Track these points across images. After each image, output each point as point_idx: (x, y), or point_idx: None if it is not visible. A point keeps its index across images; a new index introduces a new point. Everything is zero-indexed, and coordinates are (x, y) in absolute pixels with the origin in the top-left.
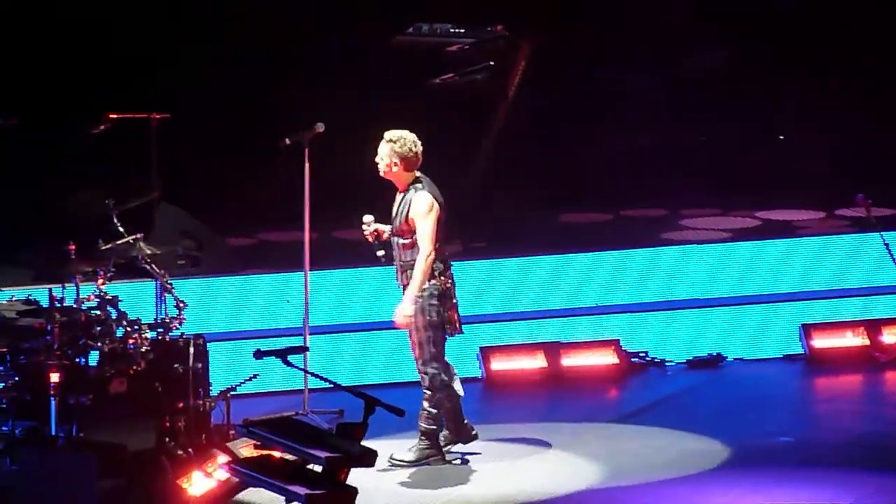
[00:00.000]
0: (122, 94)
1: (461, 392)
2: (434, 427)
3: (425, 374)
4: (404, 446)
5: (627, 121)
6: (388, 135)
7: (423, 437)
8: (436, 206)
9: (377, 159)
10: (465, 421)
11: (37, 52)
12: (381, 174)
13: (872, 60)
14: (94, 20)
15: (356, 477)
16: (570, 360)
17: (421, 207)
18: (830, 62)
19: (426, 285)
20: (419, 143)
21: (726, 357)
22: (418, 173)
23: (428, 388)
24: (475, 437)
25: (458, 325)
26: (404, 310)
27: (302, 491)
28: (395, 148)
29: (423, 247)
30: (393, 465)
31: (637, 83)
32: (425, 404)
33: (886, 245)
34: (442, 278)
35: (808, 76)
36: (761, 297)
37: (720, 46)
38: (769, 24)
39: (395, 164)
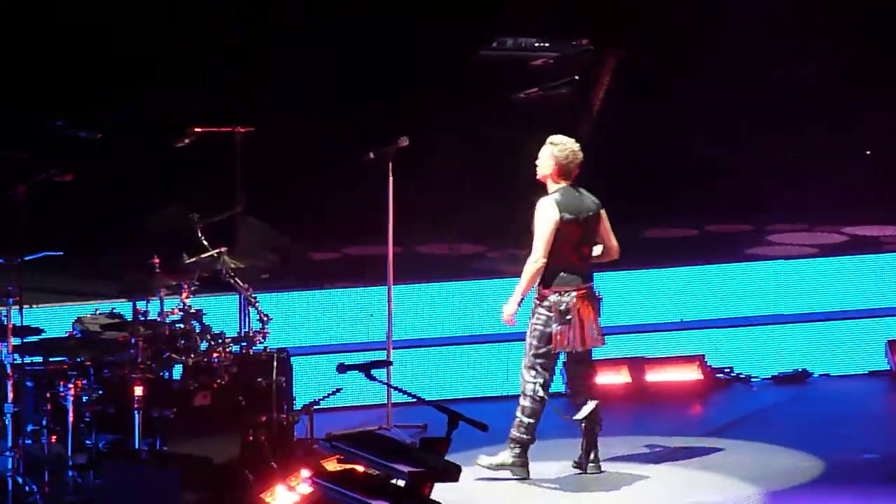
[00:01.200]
0: (209, 108)
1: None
2: (524, 436)
3: (523, 378)
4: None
5: (714, 134)
6: (552, 138)
7: (511, 445)
8: (554, 212)
9: (536, 161)
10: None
11: (122, 64)
12: (538, 177)
13: None
14: (179, 32)
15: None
16: (654, 376)
17: (537, 211)
18: None
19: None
20: (580, 153)
21: (812, 373)
22: (564, 183)
23: (522, 394)
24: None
25: (566, 343)
26: (506, 307)
27: None
28: (554, 151)
29: (533, 250)
30: (476, 465)
31: (727, 97)
32: (518, 412)
33: None
34: (560, 291)
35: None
36: (847, 313)
37: (809, 59)
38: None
39: (550, 167)
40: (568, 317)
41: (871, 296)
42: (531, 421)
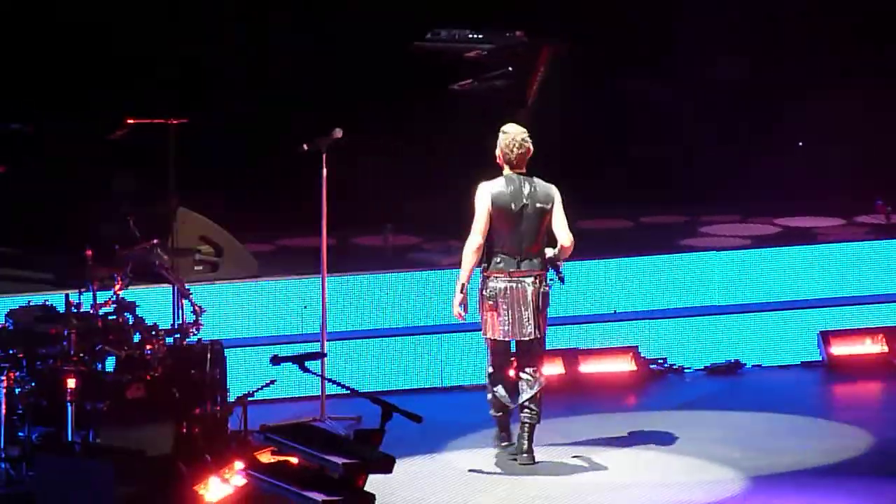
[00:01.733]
0: (140, 97)
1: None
2: (493, 413)
3: None
4: None
5: (648, 129)
6: (504, 126)
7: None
8: (484, 196)
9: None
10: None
11: (51, 54)
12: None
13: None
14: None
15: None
16: (588, 367)
17: (476, 194)
18: (852, 67)
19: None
20: (525, 143)
21: (745, 364)
22: (509, 170)
23: None
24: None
25: (495, 330)
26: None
27: (319, 497)
28: (500, 139)
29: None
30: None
31: (660, 93)
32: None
33: None
34: (492, 276)
35: (828, 83)
36: (780, 304)
37: (741, 56)
38: (788, 31)
39: (497, 154)
40: (490, 302)
41: (803, 287)
42: (493, 413)
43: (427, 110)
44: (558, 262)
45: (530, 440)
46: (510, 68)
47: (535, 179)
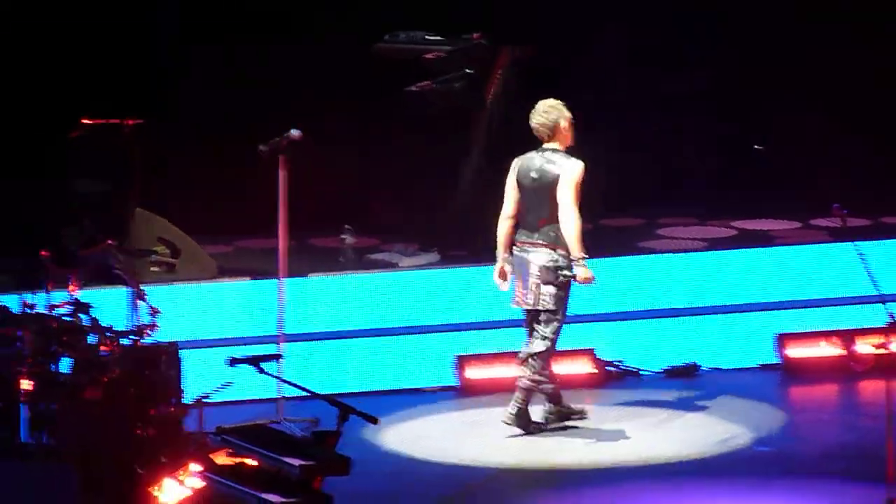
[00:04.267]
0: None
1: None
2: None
3: None
4: None
5: (608, 132)
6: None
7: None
8: (513, 168)
9: None
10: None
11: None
12: None
13: (849, 71)
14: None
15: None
16: None
17: None
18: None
19: None
20: (533, 119)
21: (701, 366)
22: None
23: None
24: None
25: (512, 298)
26: None
27: (275, 499)
28: None
29: None
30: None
31: (619, 94)
32: None
33: (861, 255)
34: (514, 244)
35: (786, 88)
36: (737, 307)
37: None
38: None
39: None
40: (509, 268)
41: (760, 289)
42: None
43: (386, 112)
44: (571, 252)
45: (515, 401)
46: (468, 70)
47: (553, 154)
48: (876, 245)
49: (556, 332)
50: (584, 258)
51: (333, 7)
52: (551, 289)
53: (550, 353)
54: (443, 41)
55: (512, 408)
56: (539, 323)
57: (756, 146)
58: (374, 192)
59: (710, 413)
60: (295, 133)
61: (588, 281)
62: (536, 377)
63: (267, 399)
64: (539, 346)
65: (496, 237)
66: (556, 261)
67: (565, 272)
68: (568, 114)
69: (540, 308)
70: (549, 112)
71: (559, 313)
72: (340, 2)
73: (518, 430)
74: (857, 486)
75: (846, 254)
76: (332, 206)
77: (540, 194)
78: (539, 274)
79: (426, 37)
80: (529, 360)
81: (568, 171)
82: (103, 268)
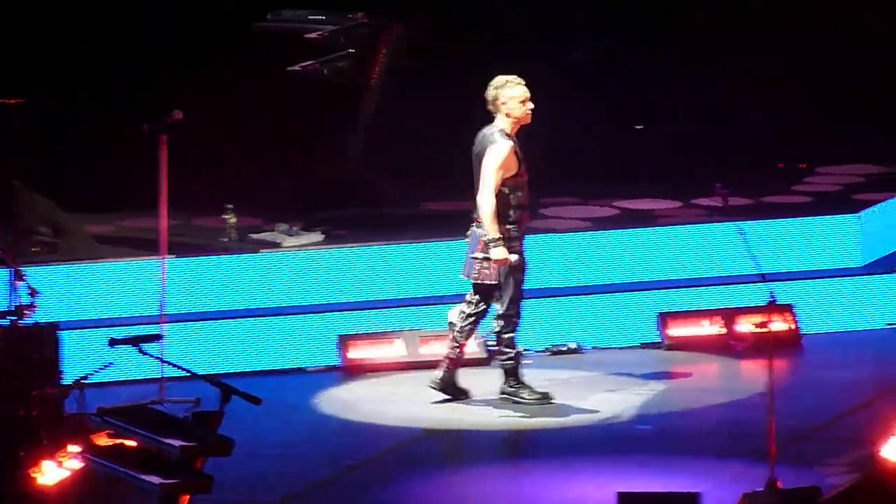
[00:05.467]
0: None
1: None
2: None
3: None
4: None
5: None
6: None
7: None
8: None
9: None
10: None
11: None
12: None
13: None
14: None
15: None
16: (429, 349)
17: None
18: (692, 52)
19: None
20: (486, 92)
21: (584, 346)
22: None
23: None
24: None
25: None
26: None
27: (156, 480)
28: None
29: None
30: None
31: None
32: None
33: (742, 234)
34: None
35: (668, 65)
36: (619, 286)
37: (588, 38)
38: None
39: None
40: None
41: (642, 269)
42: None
43: (268, 91)
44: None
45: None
46: (352, 50)
47: (491, 130)
48: (757, 224)
49: (509, 308)
50: (498, 239)
51: None
52: (490, 264)
53: (511, 329)
54: (326, 20)
55: (506, 385)
56: (472, 294)
57: (636, 126)
58: (258, 171)
59: (593, 392)
60: (177, 113)
61: (501, 263)
62: (503, 356)
63: (148, 380)
64: (494, 325)
65: None
66: (480, 238)
67: (485, 253)
68: (511, 92)
69: (479, 282)
70: (489, 88)
71: (505, 288)
72: None
73: (443, 396)
74: (739, 463)
75: (727, 233)
76: (214, 186)
77: (475, 169)
78: (480, 248)
79: (309, 16)
80: (499, 336)
81: (490, 152)
82: None
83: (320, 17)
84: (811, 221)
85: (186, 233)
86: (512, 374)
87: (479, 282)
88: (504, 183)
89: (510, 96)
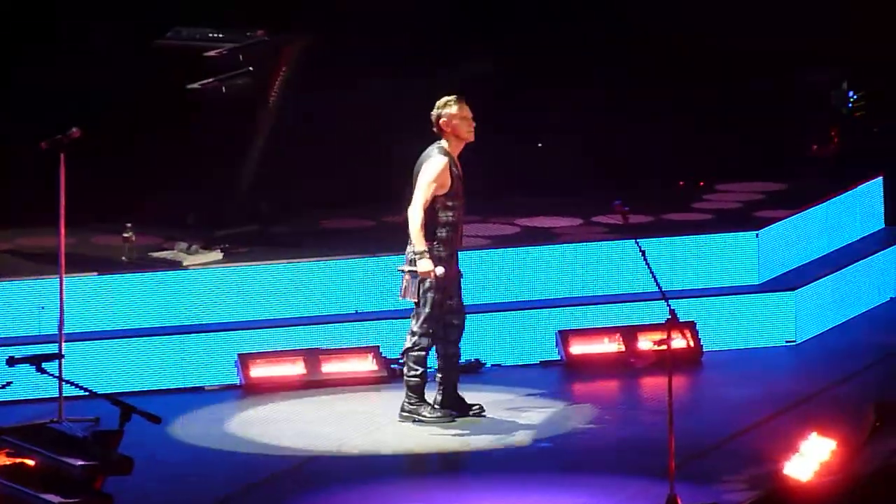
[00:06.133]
0: None
1: None
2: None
3: None
4: None
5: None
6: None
7: None
8: None
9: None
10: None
11: None
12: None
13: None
14: None
15: None
16: (329, 367)
17: None
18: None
19: None
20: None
21: (485, 363)
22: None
23: None
24: None
25: None
26: None
27: (56, 500)
28: None
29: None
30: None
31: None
32: None
33: (642, 252)
34: None
35: (566, 82)
36: (519, 304)
37: (481, 56)
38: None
39: None
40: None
41: (542, 286)
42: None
43: (168, 108)
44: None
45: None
46: (251, 67)
47: (433, 148)
48: (657, 242)
49: (423, 326)
50: (423, 252)
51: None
52: (412, 281)
53: (422, 348)
54: (225, 38)
55: (406, 402)
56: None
57: (538, 143)
58: (153, 189)
59: (493, 409)
60: (75, 131)
61: (427, 276)
62: (409, 371)
63: (47, 399)
64: (407, 341)
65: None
66: (410, 254)
67: (411, 266)
68: (450, 109)
69: (405, 299)
70: (434, 108)
71: (423, 306)
72: None
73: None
74: (639, 480)
75: (627, 250)
76: (113, 203)
77: (414, 185)
78: (406, 266)
79: (209, 34)
80: (405, 356)
81: (425, 166)
82: None
83: (219, 35)
84: (710, 239)
85: (85, 250)
86: (415, 392)
87: (403, 298)
88: (436, 200)
89: (452, 115)
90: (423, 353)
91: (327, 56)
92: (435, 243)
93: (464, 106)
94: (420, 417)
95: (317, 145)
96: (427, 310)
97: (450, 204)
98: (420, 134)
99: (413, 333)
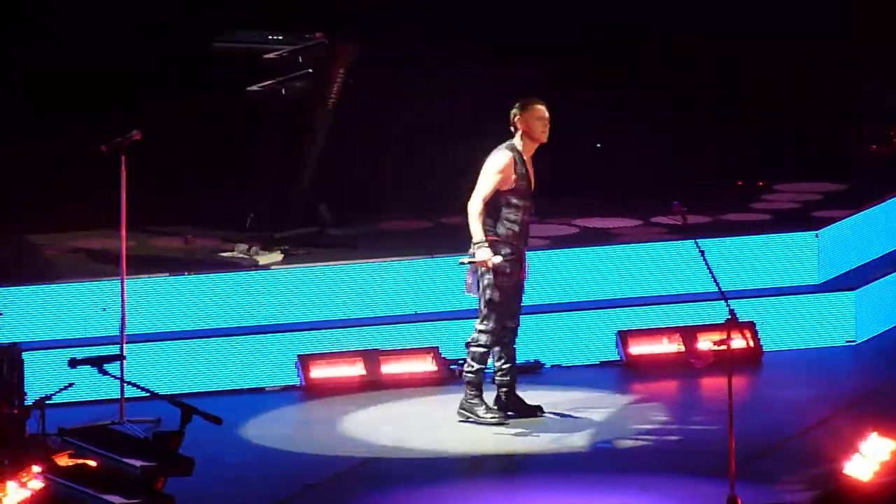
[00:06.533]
0: None
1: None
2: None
3: None
4: None
5: (447, 129)
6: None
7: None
8: None
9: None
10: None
11: None
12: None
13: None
14: None
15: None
16: (389, 368)
17: None
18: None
19: None
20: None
21: (544, 364)
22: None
23: None
24: None
25: None
26: None
27: (118, 500)
28: None
29: None
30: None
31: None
32: None
33: (701, 252)
34: None
35: (627, 86)
36: (578, 304)
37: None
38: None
39: None
40: None
41: (601, 287)
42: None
43: (227, 112)
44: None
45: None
46: (310, 70)
47: (498, 147)
48: (715, 242)
49: (484, 323)
50: (481, 241)
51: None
52: (473, 276)
53: (481, 344)
54: (283, 40)
55: (464, 399)
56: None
57: (597, 144)
58: (215, 192)
59: (553, 410)
60: (136, 134)
61: (484, 265)
62: (467, 367)
63: (109, 400)
64: (472, 335)
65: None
66: (472, 247)
67: (469, 257)
68: (527, 109)
69: (468, 294)
70: (512, 107)
71: (484, 303)
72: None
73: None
74: (699, 481)
75: (686, 250)
76: (174, 206)
77: None
78: (467, 258)
79: (268, 36)
80: (468, 347)
81: (489, 158)
82: None
83: (278, 37)
84: (770, 239)
85: (144, 252)
86: (473, 387)
87: (467, 293)
88: (500, 196)
89: (529, 114)
90: (482, 349)
91: (391, 55)
92: (494, 237)
93: (542, 107)
94: (474, 417)
95: (374, 146)
96: (487, 307)
97: (514, 202)
98: (481, 133)
99: (476, 329)
